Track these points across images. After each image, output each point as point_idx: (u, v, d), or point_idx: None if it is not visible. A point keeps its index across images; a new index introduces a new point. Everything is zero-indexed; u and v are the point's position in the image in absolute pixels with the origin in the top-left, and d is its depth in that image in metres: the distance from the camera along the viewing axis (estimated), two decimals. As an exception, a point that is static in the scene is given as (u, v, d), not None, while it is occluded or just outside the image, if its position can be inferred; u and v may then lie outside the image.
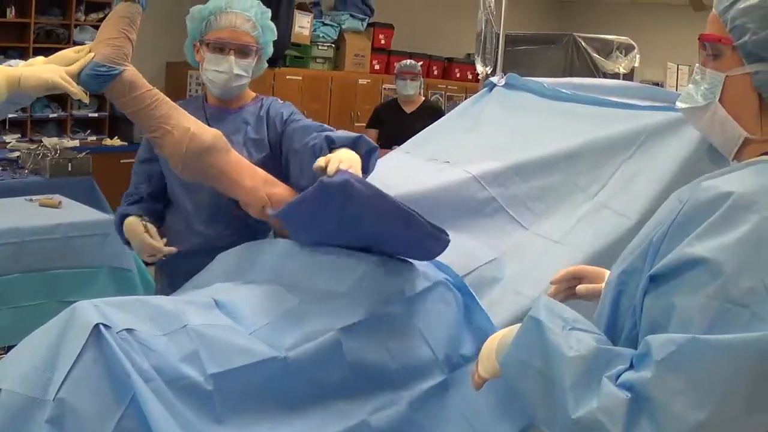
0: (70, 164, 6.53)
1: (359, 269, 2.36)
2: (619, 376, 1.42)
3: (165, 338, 1.99)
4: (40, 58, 2.54)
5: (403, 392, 2.22)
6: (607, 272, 2.03)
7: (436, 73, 11.30)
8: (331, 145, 2.61)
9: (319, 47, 9.70)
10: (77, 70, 2.46)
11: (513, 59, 7.52)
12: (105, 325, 1.88)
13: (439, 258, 2.48)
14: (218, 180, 2.72)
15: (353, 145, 2.62)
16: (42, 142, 7.20)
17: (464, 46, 11.37)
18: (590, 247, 2.67)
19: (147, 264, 3.99)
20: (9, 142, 7.30)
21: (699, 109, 1.68)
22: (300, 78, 9.24)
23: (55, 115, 7.94)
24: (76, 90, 2.43)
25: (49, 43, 7.53)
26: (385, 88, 10.11)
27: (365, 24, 10.27)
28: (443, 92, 10.98)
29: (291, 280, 2.36)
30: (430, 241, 2.39)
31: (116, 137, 8.20)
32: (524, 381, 1.59)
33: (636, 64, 8.81)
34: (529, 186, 2.96)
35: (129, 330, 1.93)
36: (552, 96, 3.47)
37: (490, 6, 6.19)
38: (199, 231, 3.03)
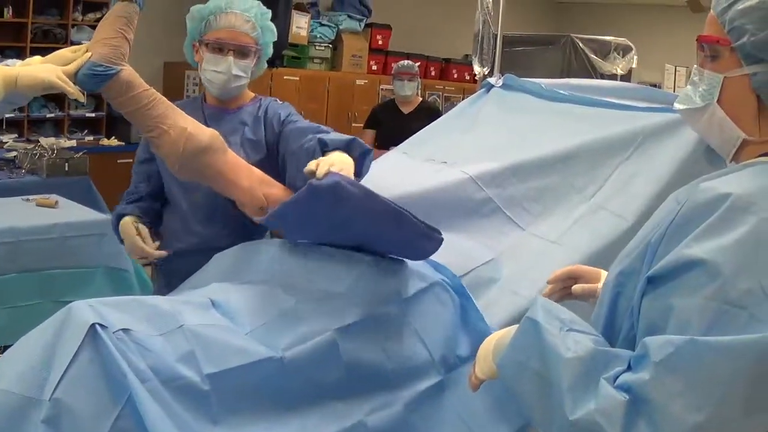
0: (67, 164, 6.54)
1: (356, 270, 2.36)
2: (617, 377, 1.42)
3: (161, 338, 1.99)
4: (37, 58, 2.54)
5: (399, 393, 2.22)
6: (604, 272, 2.04)
7: (433, 73, 11.31)
8: (324, 148, 2.60)
9: (317, 47, 9.70)
10: (74, 69, 2.46)
11: (511, 60, 7.52)
12: (101, 325, 1.88)
13: (435, 258, 2.48)
14: (215, 180, 2.72)
15: (346, 147, 2.61)
16: (39, 141, 7.20)
17: (462, 47, 11.36)
18: (587, 248, 2.67)
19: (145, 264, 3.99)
20: (6, 142, 7.31)
21: (697, 110, 1.68)
22: (297, 78, 9.24)
23: (52, 115, 7.93)
24: (72, 90, 2.43)
25: (47, 43, 7.53)
26: (382, 89, 10.11)
27: (363, 24, 10.28)
28: (441, 93, 10.99)
29: (287, 280, 2.36)
30: (423, 240, 2.38)
31: (113, 137, 8.19)
32: (521, 382, 1.59)
33: (634, 66, 8.81)
34: (526, 187, 2.95)
35: (125, 330, 1.93)
36: (549, 97, 3.47)
37: (487, 7, 6.20)
38: (195, 231, 3.03)
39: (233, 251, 2.64)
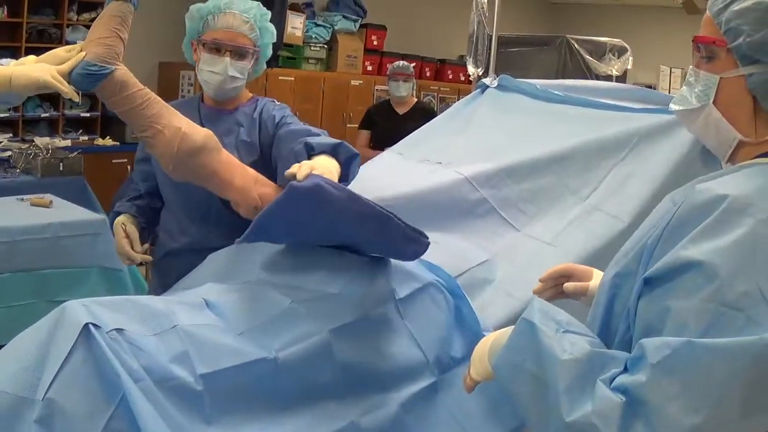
0: (61, 164, 6.54)
1: (350, 270, 2.35)
2: (614, 379, 1.42)
3: (155, 338, 1.98)
4: (32, 57, 2.53)
5: (393, 394, 2.21)
6: (596, 271, 2.05)
7: (428, 74, 11.30)
8: (310, 152, 2.59)
9: (312, 48, 9.69)
10: (68, 69, 2.45)
11: (506, 61, 7.51)
12: (95, 325, 1.87)
13: (430, 259, 2.47)
14: (209, 180, 2.71)
15: (333, 151, 2.59)
16: (34, 141, 7.21)
17: (457, 48, 11.36)
18: (582, 249, 2.67)
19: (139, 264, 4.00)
20: (0, 142, 7.30)
21: (693, 111, 1.68)
22: (292, 79, 9.23)
23: (46, 114, 7.91)
24: (67, 89, 2.42)
25: (42, 43, 7.51)
26: (377, 89, 10.11)
27: (358, 25, 10.27)
28: (436, 93, 10.98)
29: (282, 280, 2.35)
30: (409, 243, 2.37)
31: (108, 137, 8.17)
32: (517, 384, 1.58)
33: (629, 67, 8.79)
34: (521, 188, 2.96)
35: (119, 330, 1.92)
36: (544, 98, 3.48)
37: (482, 7, 6.18)
38: (190, 231, 3.03)
39: (227, 251, 2.63)
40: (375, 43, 10.54)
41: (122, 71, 2.53)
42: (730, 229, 1.39)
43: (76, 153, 6.77)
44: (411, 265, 2.45)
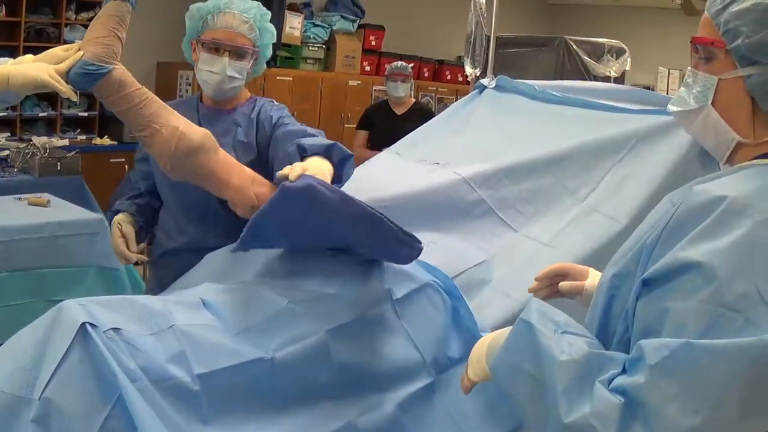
0: (59, 163, 6.53)
1: (347, 271, 2.35)
2: (612, 380, 1.42)
3: (152, 338, 1.98)
4: (29, 57, 2.52)
5: (390, 394, 2.21)
6: (592, 270, 2.05)
7: (426, 75, 11.29)
8: (303, 153, 2.57)
9: (310, 48, 9.68)
10: (66, 68, 2.45)
11: (504, 62, 7.52)
12: (91, 324, 1.87)
13: (427, 259, 2.47)
14: (207, 179, 2.70)
15: (326, 152, 2.57)
16: (31, 140, 7.19)
17: (455, 49, 11.37)
18: (580, 250, 2.67)
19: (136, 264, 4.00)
20: (-2, 141, 7.29)
21: (691, 112, 1.68)
22: (290, 79, 9.22)
23: (44, 114, 7.90)
24: (64, 88, 2.42)
25: (40, 42, 7.50)
26: (375, 90, 10.10)
27: (356, 25, 10.26)
28: (434, 94, 10.98)
29: (279, 281, 2.35)
30: (402, 246, 2.36)
31: (106, 136, 8.16)
32: (515, 384, 1.58)
33: (627, 68, 8.80)
34: (519, 188, 2.96)
35: (116, 329, 1.92)
36: (542, 99, 3.48)
37: (480, 8, 6.18)
38: (187, 230, 3.03)
39: (225, 251, 2.63)
40: (373, 43, 10.53)
41: (120, 70, 2.53)
42: (728, 231, 1.39)
43: (73, 152, 6.76)
44: (408, 266, 2.45)
